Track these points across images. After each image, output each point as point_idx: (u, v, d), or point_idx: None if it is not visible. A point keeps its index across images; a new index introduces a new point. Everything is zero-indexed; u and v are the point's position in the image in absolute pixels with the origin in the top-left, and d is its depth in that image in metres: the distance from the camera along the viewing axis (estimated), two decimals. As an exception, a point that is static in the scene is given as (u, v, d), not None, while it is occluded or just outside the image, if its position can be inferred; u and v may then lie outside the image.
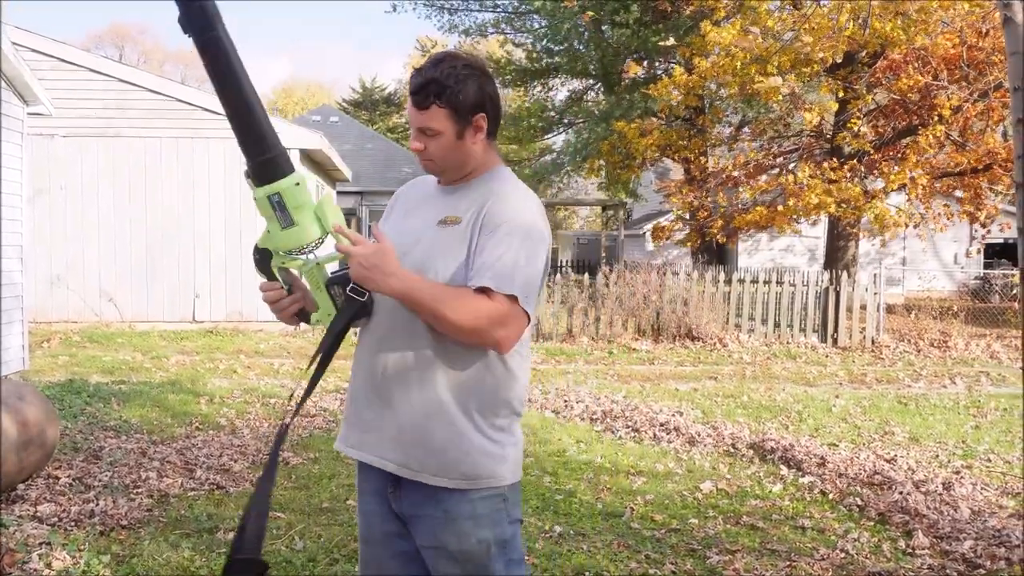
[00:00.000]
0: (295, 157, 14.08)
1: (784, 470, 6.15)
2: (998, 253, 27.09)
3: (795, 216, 16.08)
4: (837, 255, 17.94)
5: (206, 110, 13.86)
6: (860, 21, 13.81)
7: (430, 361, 2.22)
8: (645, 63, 21.79)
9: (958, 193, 18.14)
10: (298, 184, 2.05)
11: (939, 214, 18.33)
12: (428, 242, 2.27)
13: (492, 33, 24.10)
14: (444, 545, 2.26)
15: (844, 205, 15.31)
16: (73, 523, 4.62)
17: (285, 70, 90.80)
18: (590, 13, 19.22)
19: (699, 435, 7.14)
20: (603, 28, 20.87)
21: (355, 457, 2.38)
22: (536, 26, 23.10)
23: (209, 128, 13.83)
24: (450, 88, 2.21)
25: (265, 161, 2.04)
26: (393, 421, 2.26)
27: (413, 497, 2.28)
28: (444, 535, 2.26)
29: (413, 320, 2.20)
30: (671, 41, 16.47)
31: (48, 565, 3.94)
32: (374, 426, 2.30)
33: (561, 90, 25.94)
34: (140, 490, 5.28)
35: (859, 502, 5.39)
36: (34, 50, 12.87)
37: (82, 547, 4.18)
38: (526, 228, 2.23)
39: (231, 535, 4.54)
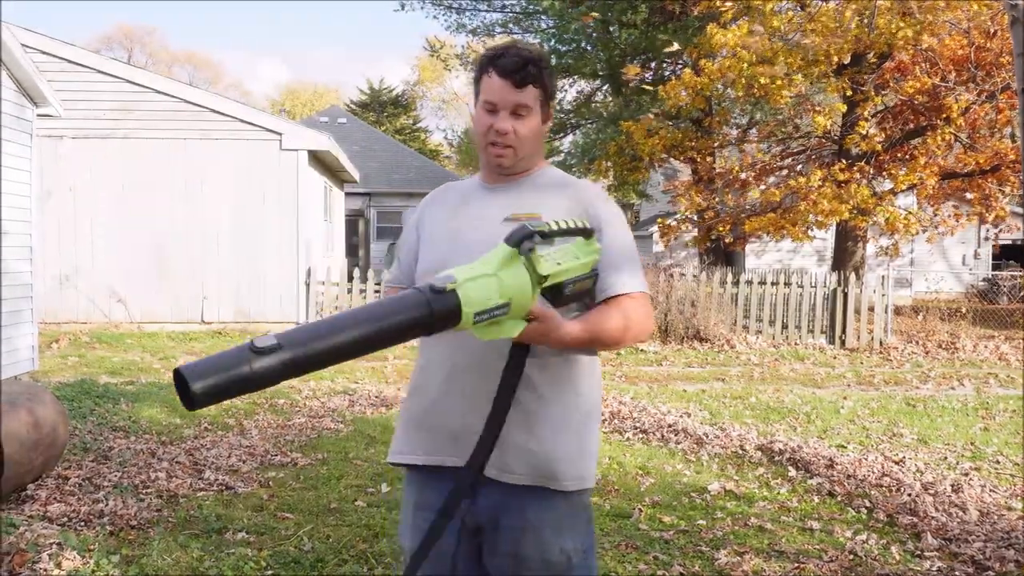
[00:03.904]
0: (303, 159, 14.12)
1: (792, 472, 6.15)
2: (1006, 254, 27.03)
3: (807, 225, 16.03)
4: (845, 257, 17.89)
5: (214, 111, 13.91)
6: (866, 23, 13.78)
7: (534, 353, 2.13)
8: (652, 65, 21.76)
9: (968, 195, 18.11)
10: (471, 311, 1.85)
11: (949, 216, 18.31)
12: (499, 239, 2.11)
13: (500, 33, 24.01)
14: (524, 556, 2.19)
15: (855, 212, 15.28)
16: (83, 523, 4.64)
17: (281, 72, 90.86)
18: (594, 14, 19.18)
19: (707, 436, 7.14)
20: (611, 29, 20.83)
21: (424, 463, 2.27)
22: (544, 27, 23.07)
23: (217, 129, 13.87)
24: (544, 71, 2.26)
25: (439, 314, 1.84)
26: (483, 422, 2.12)
27: (490, 506, 2.19)
28: (525, 545, 2.19)
29: None
30: (675, 47, 16.41)
31: (58, 565, 3.95)
32: (458, 430, 2.19)
33: (569, 91, 25.93)
34: (149, 490, 5.30)
35: (867, 504, 5.38)
36: (43, 52, 12.91)
37: (92, 547, 4.19)
38: (623, 218, 2.28)
39: (240, 536, 4.56)
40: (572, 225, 2.00)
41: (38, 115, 9.45)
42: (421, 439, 2.28)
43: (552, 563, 2.20)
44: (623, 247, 2.23)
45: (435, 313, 1.81)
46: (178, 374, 1.64)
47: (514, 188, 2.32)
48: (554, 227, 1.95)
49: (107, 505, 4.90)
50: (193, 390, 1.62)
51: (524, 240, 1.90)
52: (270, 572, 4.12)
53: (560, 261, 1.96)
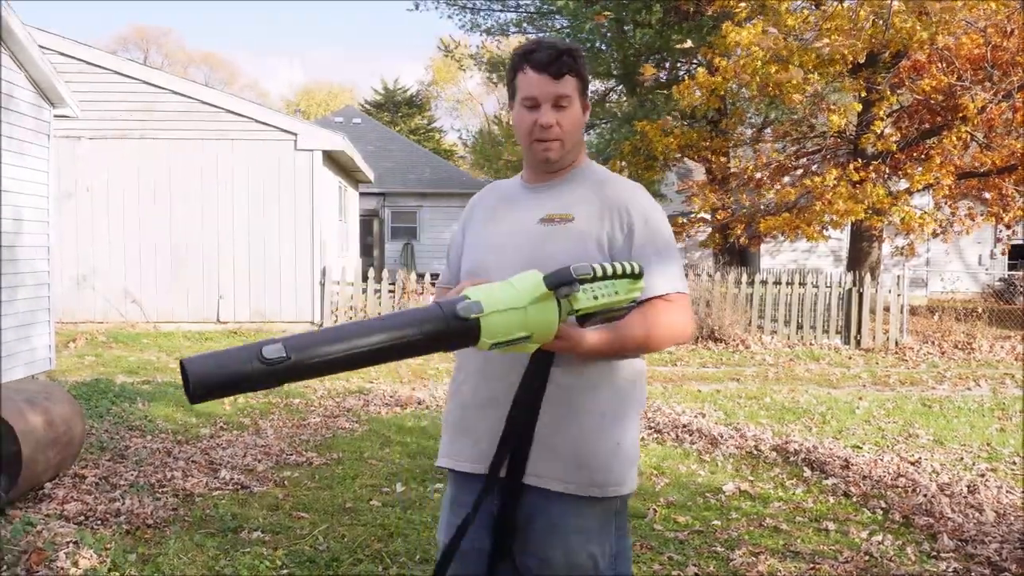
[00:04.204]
0: (318, 159, 14.16)
1: (807, 472, 6.13)
2: (1022, 254, 26.84)
3: (822, 225, 15.97)
4: (861, 256, 17.81)
5: (230, 112, 13.97)
6: (882, 22, 13.71)
7: (562, 358, 2.11)
8: (667, 64, 21.72)
9: (985, 195, 18.00)
10: (491, 333, 1.89)
11: (964, 216, 18.21)
12: (535, 240, 2.20)
13: (514, 33, 24.02)
14: (550, 558, 2.18)
15: (871, 212, 15.21)
16: (99, 522, 4.67)
17: (297, 72, 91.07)
18: (607, 13, 19.15)
19: (722, 436, 7.13)
20: (625, 28, 20.79)
21: (462, 469, 2.29)
22: (558, 26, 23.05)
23: (233, 130, 13.93)
24: (579, 61, 2.23)
25: (455, 335, 1.89)
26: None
27: (525, 506, 2.19)
28: (551, 548, 2.18)
29: None
30: (688, 44, 16.38)
31: (75, 564, 3.98)
32: (489, 437, 2.20)
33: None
34: (165, 489, 5.33)
35: (883, 505, 5.36)
36: (60, 52, 12.99)
37: (108, 546, 4.21)
38: (661, 215, 2.26)
39: (255, 535, 4.57)
40: (619, 271, 1.96)
41: (55, 116, 9.51)
42: (460, 445, 2.30)
43: (577, 566, 2.19)
44: (658, 246, 2.19)
45: (452, 335, 1.84)
46: (183, 366, 1.66)
47: (552, 187, 2.30)
48: (598, 271, 1.93)
49: (123, 504, 4.93)
50: (192, 386, 1.64)
51: (562, 286, 1.89)
52: (285, 571, 4.14)
53: (598, 295, 1.94)
